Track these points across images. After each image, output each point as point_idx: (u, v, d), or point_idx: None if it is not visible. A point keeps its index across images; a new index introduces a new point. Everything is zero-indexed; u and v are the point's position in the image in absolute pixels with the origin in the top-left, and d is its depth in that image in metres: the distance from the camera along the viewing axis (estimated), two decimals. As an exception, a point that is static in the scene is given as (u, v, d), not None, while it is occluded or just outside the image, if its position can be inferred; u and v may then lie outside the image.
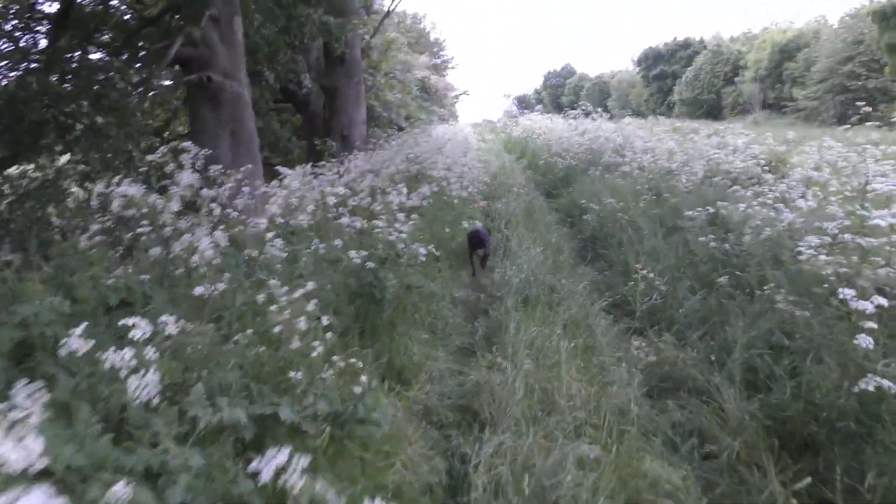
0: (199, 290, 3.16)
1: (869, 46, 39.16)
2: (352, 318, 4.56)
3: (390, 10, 17.14)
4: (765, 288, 4.55)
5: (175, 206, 3.94)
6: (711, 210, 6.57)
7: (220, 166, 5.49)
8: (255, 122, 14.80)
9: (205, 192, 4.69)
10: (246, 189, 5.87)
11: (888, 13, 32.10)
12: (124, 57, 8.56)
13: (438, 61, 45.08)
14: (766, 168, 8.89)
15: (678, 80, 58.48)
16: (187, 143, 4.86)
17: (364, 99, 15.27)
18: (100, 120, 6.39)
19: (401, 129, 17.55)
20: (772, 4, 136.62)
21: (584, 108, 22.52)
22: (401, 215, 6.64)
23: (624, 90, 69.65)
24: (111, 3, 9.27)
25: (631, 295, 5.77)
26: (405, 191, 7.77)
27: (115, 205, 3.71)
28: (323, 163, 9.77)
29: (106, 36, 9.44)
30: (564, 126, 21.35)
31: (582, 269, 7.45)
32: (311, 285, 3.34)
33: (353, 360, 3.13)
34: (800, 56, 46.75)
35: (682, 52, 61.19)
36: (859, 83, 39.83)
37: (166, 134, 12.28)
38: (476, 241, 7.47)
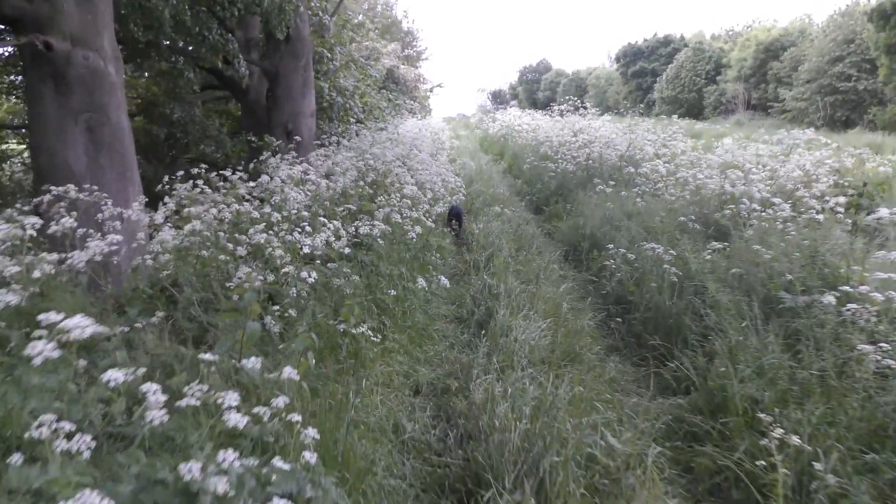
0: None
1: (860, 46, 36.93)
2: None
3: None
4: None
5: None
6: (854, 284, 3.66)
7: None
8: (175, 110, 11.68)
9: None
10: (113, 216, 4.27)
11: (888, 12, 29.68)
12: None
13: (412, 52, 42.23)
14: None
15: (658, 77, 56.00)
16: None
17: (313, 86, 12.12)
18: None
19: (359, 121, 14.46)
20: (754, 2, 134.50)
21: (571, 102, 19.62)
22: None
23: (601, 87, 66.99)
24: None
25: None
26: (330, 228, 4.81)
27: None
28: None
29: None
30: (551, 124, 18.37)
31: (627, 386, 4.43)
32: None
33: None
34: (786, 55, 44.50)
35: (663, 48, 58.70)
36: (849, 84, 37.64)
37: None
38: (452, 215, 8.84)
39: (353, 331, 4.21)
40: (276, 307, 4.11)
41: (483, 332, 5.09)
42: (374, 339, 4.24)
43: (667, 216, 7.07)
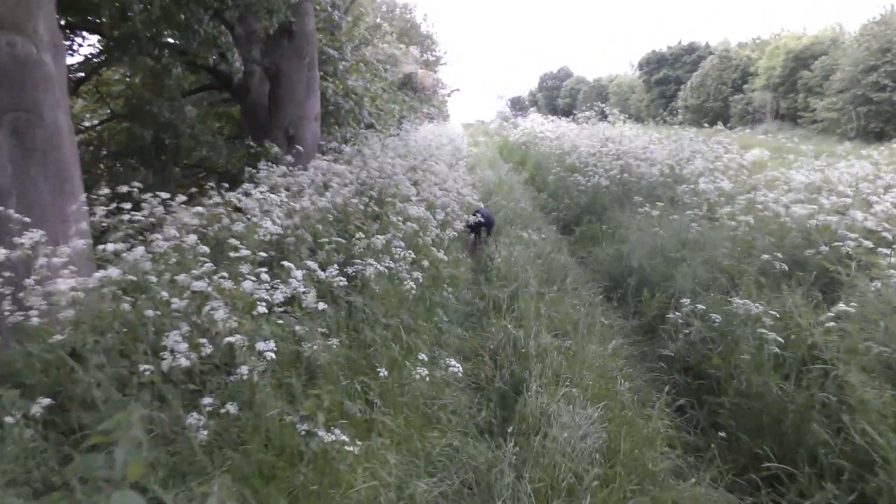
0: None
1: (896, 56, 35.06)
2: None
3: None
4: None
5: None
6: None
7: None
8: (163, 110, 10.35)
9: None
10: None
11: (930, 18, 27.82)
12: None
13: (430, 57, 40.99)
14: None
15: (682, 85, 54.17)
16: None
17: (318, 88, 10.78)
18: None
19: (368, 126, 13.08)
20: (781, 11, 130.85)
21: (597, 108, 18.13)
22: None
23: (623, 94, 65.13)
24: None
25: None
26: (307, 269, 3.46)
27: None
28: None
29: None
30: (577, 131, 16.88)
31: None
32: None
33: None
34: (816, 64, 42.57)
35: (687, 56, 56.79)
36: (884, 95, 35.70)
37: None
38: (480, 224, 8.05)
39: (321, 434, 2.82)
40: (209, 399, 2.74)
41: (506, 414, 3.68)
42: (351, 447, 2.83)
43: (733, 249, 5.61)
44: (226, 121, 14.53)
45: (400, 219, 5.15)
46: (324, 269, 3.88)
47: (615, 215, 8.49)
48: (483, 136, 37.50)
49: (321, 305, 3.43)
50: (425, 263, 5.11)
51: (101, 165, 12.06)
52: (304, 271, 3.60)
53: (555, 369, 4.08)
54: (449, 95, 40.41)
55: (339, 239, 4.82)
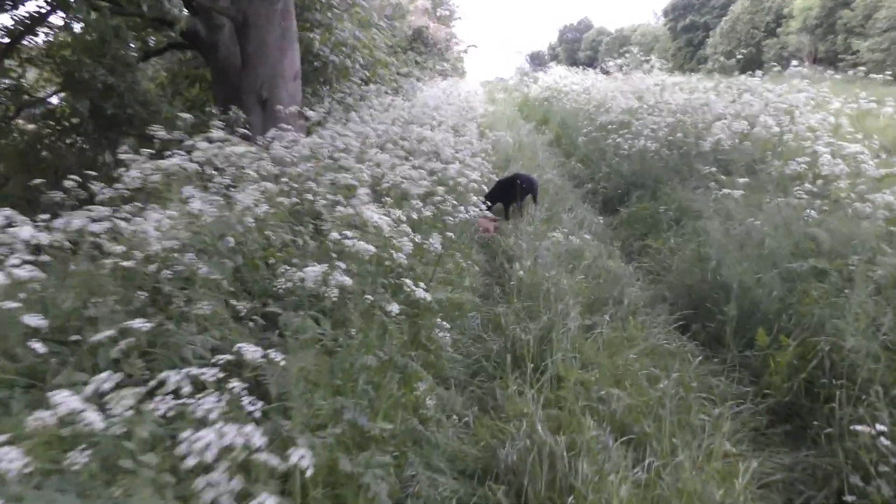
0: None
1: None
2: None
3: None
4: None
5: None
6: None
7: None
8: (95, 77, 8.29)
9: None
10: None
11: None
12: None
13: (444, 12, 38.16)
14: None
15: (711, 32, 50.36)
16: None
17: (296, 40, 8.49)
18: None
19: (365, 81, 10.77)
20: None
21: (630, 55, 15.53)
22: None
23: (647, 45, 61.11)
24: None
25: None
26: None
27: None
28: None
29: None
30: (608, 84, 14.32)
31: None
32: None
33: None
34: (857, 2, 38.90)
35: (715, 0, 52.84)
36: (937, 32, 32.25)
37: None
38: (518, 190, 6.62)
39: None
40: None
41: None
42: None
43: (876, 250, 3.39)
44: (201, 86, 12.34)
45: (344, 233, 2.97)
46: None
47: (675, 192, 6.21)
48: (501, 92, 34.62)
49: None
50: (393, 310, 2.96)
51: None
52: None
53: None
54: (465, 52, 37.66)
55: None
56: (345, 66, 10.43)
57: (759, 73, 12.71)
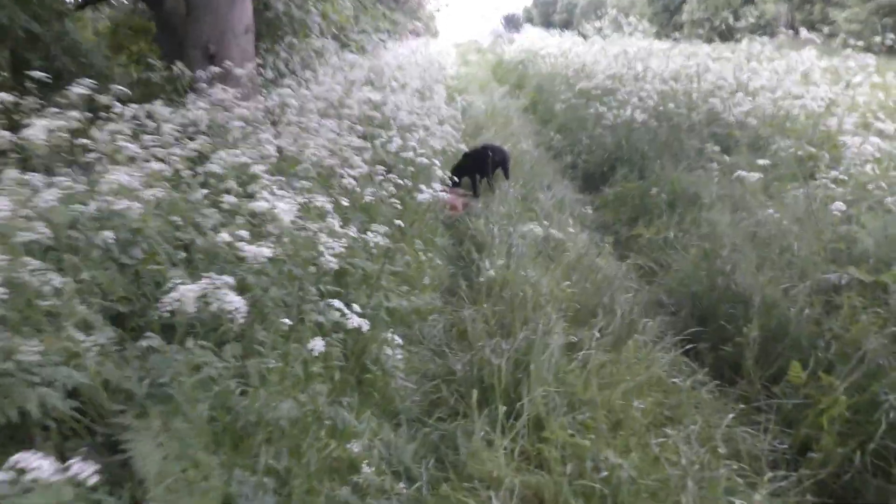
0: None
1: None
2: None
3: None
4: None
5: None
6: None
7: None
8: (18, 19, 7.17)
9: None
10: None
11: None
12: None
13: (417, -32, 36.39)
14: None
15: (688, -3, 49.30)
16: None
17: (248, -12, 7.36)
18: None
19: (323, 34, 9.68)
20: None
21: (611, 16, 14.60)
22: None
23: (624, 8, 59.92)
24: None
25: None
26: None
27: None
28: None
29: None
30: (588, 48, 13.38)
31: None
32: None
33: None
34: (836, -30, 38.24)
35: (693, -35, 51.63)
36: (914, 3, 31.76)
37: None
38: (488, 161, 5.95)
39: None
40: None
41: None
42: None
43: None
44: (147, 39, 11.10)
45: (237, 234, 2.11)
46: None
47: (667, 171, 5.43)
48: (475, 54, 33.28)
49: None
50: (318, 347, 2.14)
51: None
52: None
53: None
54: (437, 10, 36.15)
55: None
56: (301, 19, 9.34)
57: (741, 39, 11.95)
